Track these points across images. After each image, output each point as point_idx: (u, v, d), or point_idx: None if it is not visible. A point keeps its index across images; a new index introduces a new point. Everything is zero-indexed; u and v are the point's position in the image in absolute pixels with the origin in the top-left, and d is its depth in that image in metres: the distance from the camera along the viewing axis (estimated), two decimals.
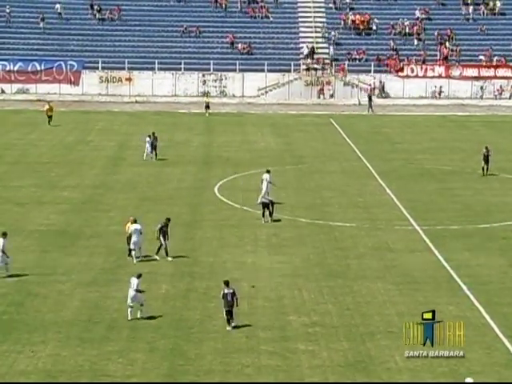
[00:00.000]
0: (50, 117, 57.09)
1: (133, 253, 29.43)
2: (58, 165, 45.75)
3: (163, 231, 29.50)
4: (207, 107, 63.58)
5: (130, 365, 21.35)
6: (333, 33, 74.11)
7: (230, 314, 23.47)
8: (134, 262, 29.29)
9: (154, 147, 46.70)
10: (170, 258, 29.46)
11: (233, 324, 23.55)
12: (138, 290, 24.21)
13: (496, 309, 25.16)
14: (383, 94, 71.88)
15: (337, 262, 29.78)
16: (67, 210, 36.39)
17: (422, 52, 74.41)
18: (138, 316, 24.12)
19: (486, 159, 43.48)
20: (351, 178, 43.58)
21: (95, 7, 75.81)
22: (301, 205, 37.56)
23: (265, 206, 34.44)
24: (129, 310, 24.16)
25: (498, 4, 78.25)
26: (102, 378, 20.74)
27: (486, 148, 43.65)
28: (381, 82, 71.74)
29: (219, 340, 22.84)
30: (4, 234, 27.86)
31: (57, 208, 36.54)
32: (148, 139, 46.83)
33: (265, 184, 36.32)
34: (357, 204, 38.05)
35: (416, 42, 75.62)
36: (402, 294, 26.58)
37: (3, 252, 27.49)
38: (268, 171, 37.28)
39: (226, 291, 23.54)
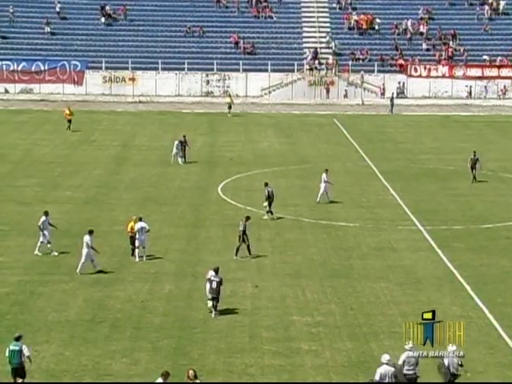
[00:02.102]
0: (69, 121, 55.28)
1: (136, 251, 29.45)
2: (61, 164, 45.80)
3: (243, 231, 29.64)
4: (230, 107, 63.43)
5: (134, 364, 21.38)
6: (332, 43, 73.78)
7: (214, 300, 24.07)
8: (137, 259, 29.31)
9: (184, 150, 45.81)
10: (235, 257, 29.65)
11: (215, 312, 24.11)
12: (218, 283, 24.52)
13: (499, 309, 25.14)
14: (404, 94, 71.74)
15: (340, 261, 29.77)
16: (70, 209, 36.42)
17: (424, 52, 74.37)
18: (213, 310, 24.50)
19: (474, 165, 41.85)
20: (355, 178, 43.56)
21: (106, 8, 75.62)
22: (304, 205, 37.55)
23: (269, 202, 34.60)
24: (210, 302, 24.45)
25: (502, 4, 78.15)
26: (106, 377, 20.76)
27: (474, 153, 42.19)
28: (399, 82, 71.61)
29: (222, 340, 22.86)
30: (90, 232, 28.15)
31: (60, 207, 36.55)
32: (177, 142, 45.92)
33: (322, 183, 37.21)
34: (360, 204, 38.04)
35: (419, 41, 75.56)
36: (406, 294, 26.57)
37: (93, 248, 27.83)
38: (326, 170, 37.69)
39: (212, 278, 24.20)
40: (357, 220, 35.09)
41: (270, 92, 71.97)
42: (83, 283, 27.06)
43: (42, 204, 37.09)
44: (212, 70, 72.07)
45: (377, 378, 18.81)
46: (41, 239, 29.91)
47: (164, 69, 71.72)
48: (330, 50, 73.79)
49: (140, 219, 29.88)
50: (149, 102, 70.13)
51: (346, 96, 71.43)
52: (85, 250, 27.78)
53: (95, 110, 65.20)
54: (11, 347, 19.60)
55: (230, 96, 65.86)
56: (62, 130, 56.32)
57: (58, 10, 75.86)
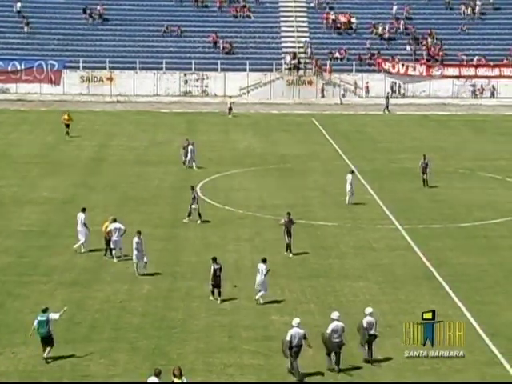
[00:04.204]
0: (67, 126, 53.51)
1: (113, 252, 29.34)
2: (38, 165, 45.53)
3: (287, 228, 29.97)
4: (230, 109, 63.22)
5: (112, 365, 21.28)
6: (309, 50, 73.69)
7: (215, 287, 25.38)
8: (115, 260, 29.21)
9: (186, 154, 44.68)
10: (290, 255, 29.86)
11: (220, 298, 25.27)
12: (265, 274, 25.26)
13: (477, 307, 25.26)
14: (399, 94, 72.14)
15: (319, 261, 29.79)
16: (48, 209, 36.20)
17: (402, 51, 74.65)
18: (261, 302, 25.24)
19: (424, 170, 40.65)
20: (333, 177, 43.61)
21: (84, 7, 75.25)
22: (283, 204, 37.53)
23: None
24: (259, 293, 25.32)
25: (479, 3, 78.66)
26: (84, 378, 20.66)
27: (424, 157, 41.23)
28: (395, 82, 71.81)
29: (201, 340, 22.81)
30: (139, 233, 27.99)
31: (38, 208, 36.35)
32: (191, 147, 44.70)
33: (348, 185, 37.23)
34: (339, 203, 38.08)
35: (397, 41, 75.87)
36: (384, 292, 26.64)
37: (138, 250, 27.67)
38: (352, 172, 37.82)
39: (215, 267, 25.42)
40: (336, 219, 35.14)
41: (248, 92, 71.93)
42: (61, 284, 26.89)
43: (19, 204, 36.89)
44: (190, 69, 71.94)
45: (288, 338, 20.71)
46: (82, 239, 29.81)
47: (142, 68, 71.48)
48: (307, 54, 73.51)
49: (114, 220, 29.72)
50: (127, 101, 69.89)
51: (344, 96, 71.64)
52: (134, 252, 27.62)
53: (73, 109, 64.63)
54: (39, 318, 21.46)
55: (230, 97, 65.65)
56: (39, 130, 55.98)
57: (18, 9, 75.11)
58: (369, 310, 21.88)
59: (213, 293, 25.59)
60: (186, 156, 45.05)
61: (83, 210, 30.49)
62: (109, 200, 37.79)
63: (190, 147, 45.00)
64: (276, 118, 63.99)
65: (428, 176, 40.78)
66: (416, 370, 20.99)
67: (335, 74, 72.25)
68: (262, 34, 75.94)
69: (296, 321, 21.05)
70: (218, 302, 25.36)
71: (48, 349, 21.42)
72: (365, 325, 21.48)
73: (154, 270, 28.46)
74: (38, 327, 21.44)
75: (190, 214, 34.25)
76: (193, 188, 34.80)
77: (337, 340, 21.01)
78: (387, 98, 67.43)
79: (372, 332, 21.50)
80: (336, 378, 20.94)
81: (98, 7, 75.65)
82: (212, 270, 25.47)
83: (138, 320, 24.08)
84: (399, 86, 72.18)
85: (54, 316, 21.63)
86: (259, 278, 25.41)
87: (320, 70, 71.80)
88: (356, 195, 39.62)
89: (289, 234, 30.24)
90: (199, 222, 34.19)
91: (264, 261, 25.72)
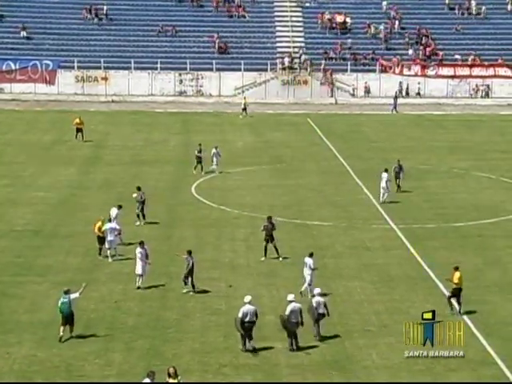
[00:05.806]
0: (79, 130, 51.88)
1: (108, 251, 29.34)
2: (33, 164, 45.48)
3: (266, 232, 29.68)
4: (244, 109, 62.90)
5: (107, 365, 21.27)
6: (303, 56, 73.47)
7: (189, 277, 26.00)
8: (110, 260, 29.22)
9: (200, 159, 43.08)
10: (280, 259, 29.57)
11: (195, 290, 26.03)
12: (314, 269, 25.78)
13: (472, 306, 25.29)
14: (415, 93, 72.32)
15: (314, 261, 29.75)
16: (43, 209, 36.17)
17: (397, 51, 74.71)
18: (309, 295, 25.34)
19: (397, 174, 39.45)
20: (328, 177, 43.68)
21: (86, 7, 75.22)
22: (278, 204, 37.58)
23: None
24: (308, 288, 25.69)
25: (473, 4, 78.79)
26: (79, 378, 20.64)
27: (398, 162, 40.01)
28: (401, 82, 71.85)
29: (197, 340, 22.82)
30: (141, 243, 27.10)
31: (32, 208, 36.31)
32: (214, 150, 43.64)
33: (384, 182, 37.45)
34: (334, 203, 38.14)
35: (392, 41, 75.95)
36: (379, 292, 26.67)
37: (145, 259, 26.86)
38: (386, 170, 37.88)
39: (193, 260, 25.98)
40: (330, 219, 35.17)
41: (243, 91, 71.91)
42: (56, 284, 26.84)
43: (14, 204, 36.85)
44: (185, 69, 71.91)
45: (240, 315, 21.82)
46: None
47: (137, 68, 71.43)
48: (301, 61, 73.24)
49: (109, 220, 29.73)
50: (122, 101, 69.83)
51: (353, 95, 71.71)
52: (140, 263, 26.77)
53: (68, 109, 64.71)
54: (61, 300, 22.56)
55: (245, 98, 65.51)
56: (34, 130, 55.91)
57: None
58: (317, 290, 23.34)
59: (185, 283, 25.96)
60: (200, 160, 43.31)
61: (119, 207, 30.95)
62: (104, 200, 37.72)
63: (213, 151, 43.86)
64: (271, 117, 63.99)
65: (401, 181, 39.75)
66: (411, 370, 21.01)
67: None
68: (257, 33, 75.95)
69: (247, 298, 22.20)
70: (184, 291, 25.88)
71: (69, 328, 22.40)
72: (314, 304, 22.68)
73: (149, 269, 28.40)
74: (60, 308, 22.47)
75: (139, 216, 33.74)
76: (139, 189, 34.14)
77: (294, 321, 22.02)
78: (395, 97, 67.44)
79: (321, 311, 22.66)
80: (332, 378, 20.97)
81: (100, 7, 75.47)
82: (190, 264, 25.86)
83: (133, 320, 24.08)
84: (407, 87, 72.16)
85: (75, 295, 22.53)
86: (306, 271, 25.96)
87: (324, 72, 71.69)
88: (350, 195, 39.73)
89: (270, 238, 29.60)
90: (143, 223, 33.63)
91: (311, 255, 26.21)
